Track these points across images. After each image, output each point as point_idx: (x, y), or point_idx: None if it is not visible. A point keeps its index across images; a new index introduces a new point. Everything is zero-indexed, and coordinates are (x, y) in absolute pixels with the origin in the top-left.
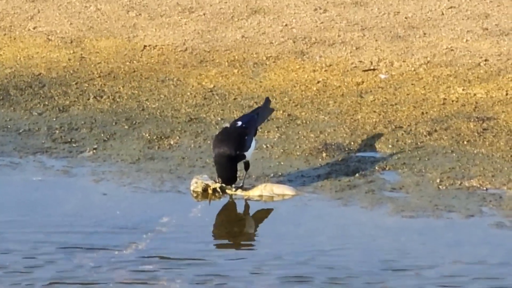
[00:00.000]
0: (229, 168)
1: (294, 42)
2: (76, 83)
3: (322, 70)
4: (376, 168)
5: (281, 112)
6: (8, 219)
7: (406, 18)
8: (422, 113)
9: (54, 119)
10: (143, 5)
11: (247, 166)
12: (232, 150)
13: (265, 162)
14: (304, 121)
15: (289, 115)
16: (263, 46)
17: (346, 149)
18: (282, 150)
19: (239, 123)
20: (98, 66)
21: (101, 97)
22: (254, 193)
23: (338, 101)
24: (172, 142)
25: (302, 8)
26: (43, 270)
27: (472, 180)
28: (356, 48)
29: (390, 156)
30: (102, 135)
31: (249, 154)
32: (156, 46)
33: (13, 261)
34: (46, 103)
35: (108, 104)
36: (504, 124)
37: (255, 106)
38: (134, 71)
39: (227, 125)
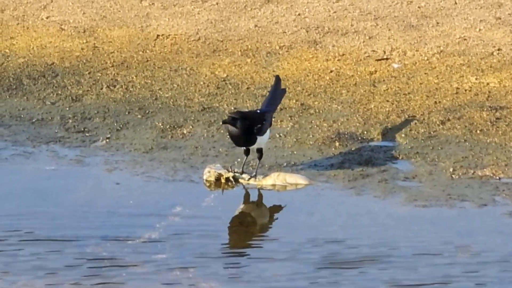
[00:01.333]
0: (248, 131)
1: (307, 31)
2: (89, 73)
3: (335, 59)
4: (389, 157)
5: (294, 101)
6: (21, 208)
7: (419, 7)
8: (435, 102)
9: (67, 109)
10: None
11: (260, 155)
12: (253, 121)
13: (278, 152)
14: (317, 111)
15: (302, 104)
16: (276, 36)
17: (359, 138)
18: (295, 139)
19: (258, 111)
20: (111, 56)
21: (114, 86)
22: (267, 182)
23: (351, 90)
24: (185, 132)
25: None
26: (55, 258)
27: (485, 169)
28: (369, 38)
29: (403, 145)
30: (115, 124)
31: (264, 140)
32: (169, 35)
33: (27, 249)
34: (59, 92)
35: (121, 93)
36: None
37: None
38: (147, 61)
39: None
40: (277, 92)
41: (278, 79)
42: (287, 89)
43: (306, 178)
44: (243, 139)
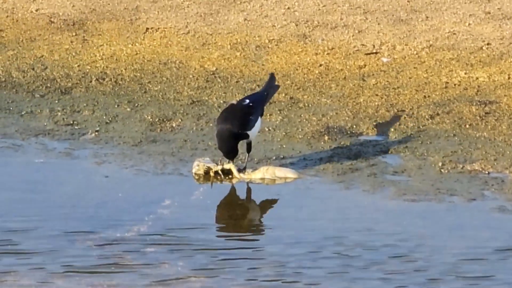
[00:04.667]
0: (230, 144)
1: (296, 25)
2: (78, 66)
3: (324, 53)
4: (378, 151)
5: (283, 95)
6: (10, 201)
7: (408, 1)
8: (424, 96)
9: (56, 101)
10: None
11: (249, 148)
12: (235, 127)
13: (267, 145)
14: (306, 104)
15: (291, 98)
16: (265, 29)
17: (348, 132)
18: (284, 133)
19: (247, 101)
20: (101, 49)
21: (103, 79)
22: (256, 176)
23: (340, 84)
24: (174, 125)
25: None
26: (45, 251)
27: (474, 164)
28: (359, 32)
29: (392, 140)
30: (104, 117)
31: (253, 133)
32: (158, 28)
33: (15, 242)
34: (48, 85)
35: (111, 86)
36: (506, 108)
37: (258, 89)
38: (137, 54)
39: (234, 102)
40: (271, 85)
41: (272, 76)
42: (276, 83)
43: (295, 171)
44: (231, 149)
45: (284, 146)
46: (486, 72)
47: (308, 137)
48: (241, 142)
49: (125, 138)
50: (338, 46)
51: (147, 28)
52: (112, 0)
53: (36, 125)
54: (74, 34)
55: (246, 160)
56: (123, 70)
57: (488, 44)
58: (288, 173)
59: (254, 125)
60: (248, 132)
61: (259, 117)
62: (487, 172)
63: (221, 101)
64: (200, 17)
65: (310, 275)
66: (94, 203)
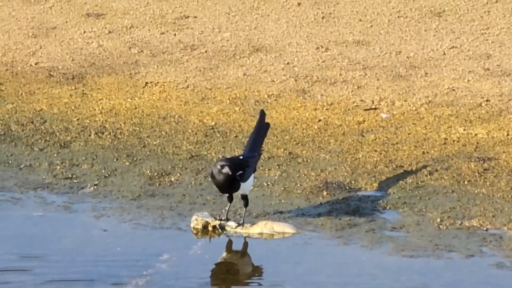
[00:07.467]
0: (227, 179)
1: (295, 80)
2: (77, 119)
3: (323, 108)
4: (377, 207)
5: (282, 150)
6: (8, 254)
7: (407, 57)
8: (423, 152)
9: (55, 155)
10: (145, 42)
11: (246, 203)
12: (231, 168)
13: (265, 200)
14: (305, 160)
15: (290, 153)
16: (264, 84)
17: (347, 187)
18: (283, 188)
19: (241, 157)
20: (100, 103)
21: (103, 133)
22: (254, 230)
23: (339, 139)
24: (173, 179)
25: (304, 47)
26: None
27: (472, 220)
28: (358, 87)
29: (390, 195)
30: (103, 171)
31: (247, 186)
32: (157, 83)
33: None
34: (48, 138)
35: (109, 140)
36: (505, 165)
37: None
38: (136, 108)
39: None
40: (261, 128)
41: (262, 113)
42: (275, 138)
43: (293, 227)
44: (227, 185)
45: (283, 201)
46: (485, 128)
47: (307, 192)
48: (237, 196)
49: (123, 192)
50: (337, 101)
51: (146, 83)
52: (112, 54)
53: (35, 179)
54: (73, 87)
55: (244, 214)
56: (122, 124)
57: (487, 100)
58: (287, 228)
59: (248, 177)
60: (242, 183)
61: (252, 173)
62: (485, 229)
63: (220, 156)
64: (199, 71)
65: None
66: (93, 257)
